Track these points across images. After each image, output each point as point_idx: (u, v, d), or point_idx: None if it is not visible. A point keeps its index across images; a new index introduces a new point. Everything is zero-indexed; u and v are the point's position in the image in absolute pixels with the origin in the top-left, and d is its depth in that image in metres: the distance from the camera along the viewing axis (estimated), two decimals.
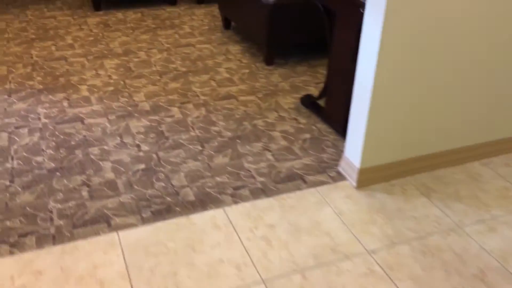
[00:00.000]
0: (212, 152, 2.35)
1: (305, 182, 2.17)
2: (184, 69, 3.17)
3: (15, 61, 3.15)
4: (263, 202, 2.04)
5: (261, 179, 2.18)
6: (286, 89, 2.98)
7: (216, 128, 2.54)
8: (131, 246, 1.79)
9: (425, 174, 2.25)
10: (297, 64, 3.31)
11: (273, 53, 3.26)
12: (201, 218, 1.94)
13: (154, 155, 2.31)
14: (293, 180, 2.18)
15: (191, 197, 2.05)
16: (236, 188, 2.12)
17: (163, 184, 2.12)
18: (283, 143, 2.45)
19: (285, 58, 3.38)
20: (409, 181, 2.21)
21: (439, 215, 2.01)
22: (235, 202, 2.04)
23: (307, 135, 2.52)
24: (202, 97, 2.84)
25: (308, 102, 2.77)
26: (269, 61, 3.27)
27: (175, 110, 2.70)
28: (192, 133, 2.49)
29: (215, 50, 3.46)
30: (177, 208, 1.99)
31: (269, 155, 2.35)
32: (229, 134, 2.50)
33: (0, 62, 3.13)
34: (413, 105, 2.06)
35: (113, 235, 1.84)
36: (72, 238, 1.82)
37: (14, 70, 3.05)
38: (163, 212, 1.96)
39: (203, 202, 2.03)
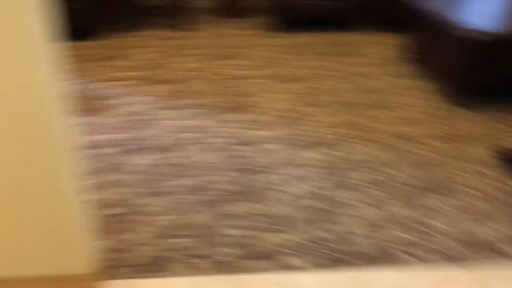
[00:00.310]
0: (391, 199, 2.09)
1: (509, 258, 1.79)
2: (360, 101, 2.97)
3: (192, 77, 3.27)
4: (454, 272, 1.72)
5: (450, 242, 1.86)
6: (481, 137, 2.58)
7: (393, 172, 2.28)
8: None
9: None
10: (497, 109, 2.86)
11: (467, 94, 2.88)
12: (378, 276, 1.69)
13: (327, 193, 2.13)
14: (493, 252, 1.81)
15: (368, 249, 1.81)
16: (419, 248, 1.82)
17: (337, 228, 1.92)
18: (479, 203, 2.08)
19: (481, 100, 2.96)
20: None
21: None
22: (418, 264, 1.75)
23: None
24: (378, 135, 2.60)
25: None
26: (461, 102, 2.89)
27: (349, 145, 2.50)
28: (367, 174, 2.26)
29: (396, 83, 3.19)
30: (352, 259, 1.77)
31: (461, 215, 2.01)
32: (409, 180, 2.22)
33: (176, 78, 3.28)
34: None
35: (281, 276, 1.69)
36: (240, 269, 1.71)
37: (191, 86, 3.15)
38: (337, 261, 1.76)
39: (381, 257, 1.77)
